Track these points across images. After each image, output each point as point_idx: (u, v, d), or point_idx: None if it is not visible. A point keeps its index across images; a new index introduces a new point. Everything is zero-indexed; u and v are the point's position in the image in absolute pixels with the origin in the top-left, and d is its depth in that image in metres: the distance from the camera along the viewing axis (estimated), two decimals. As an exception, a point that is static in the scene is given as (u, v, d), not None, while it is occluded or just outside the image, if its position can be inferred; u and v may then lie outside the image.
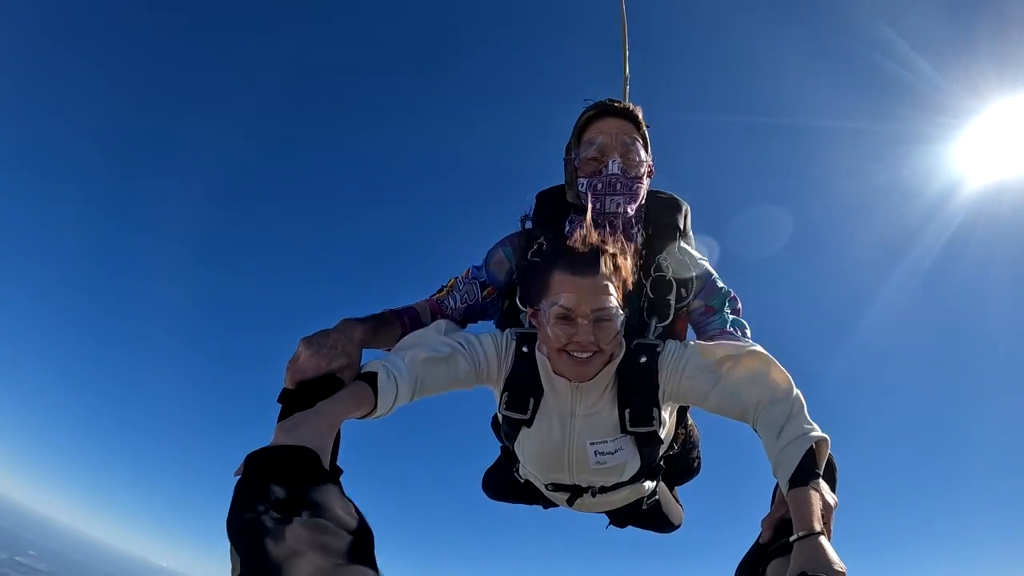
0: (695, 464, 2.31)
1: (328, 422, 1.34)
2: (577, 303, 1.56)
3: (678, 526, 2.47)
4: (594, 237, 1.64)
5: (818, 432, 1.45)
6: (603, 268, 1.60)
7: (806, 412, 1.52)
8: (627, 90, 2.79)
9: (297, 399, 1.46)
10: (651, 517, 2.26)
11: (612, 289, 1.60)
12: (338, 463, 1.38)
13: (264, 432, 1.35)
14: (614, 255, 1.64)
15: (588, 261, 1.59)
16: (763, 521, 1.64)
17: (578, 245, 1.62)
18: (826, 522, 1.34)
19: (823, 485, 1.40)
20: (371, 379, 1.54)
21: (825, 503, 1.36)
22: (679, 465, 2.24)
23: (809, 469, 1.38)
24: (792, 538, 1.29)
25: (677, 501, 2.45)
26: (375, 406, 1.52)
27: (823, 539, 1.25)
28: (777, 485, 1.65)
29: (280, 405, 1.48)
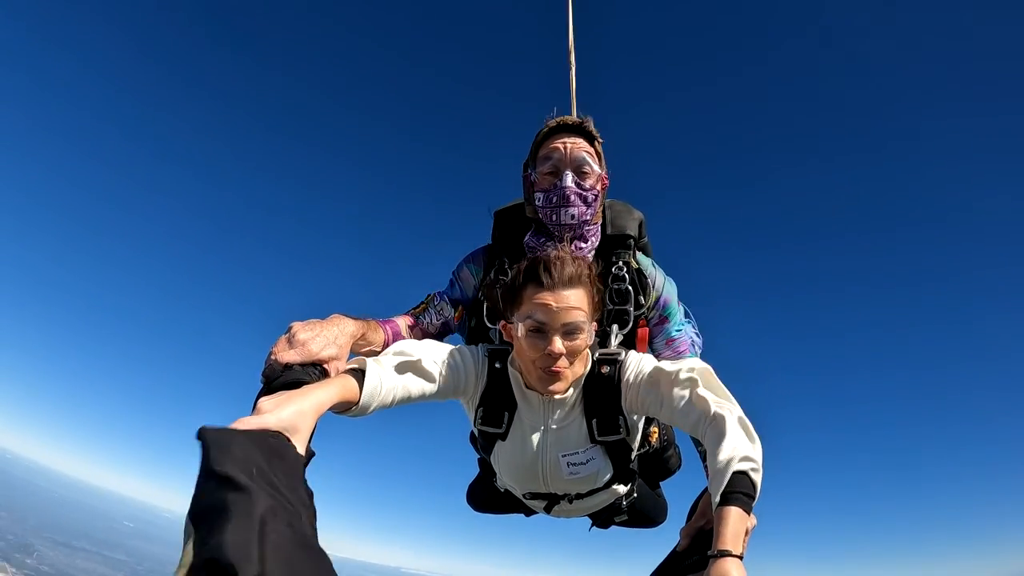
0: (672, 461, 2.36)
1: (312, 405, 1.36)
2: (550, 317, 1.63)
3: (662, 521, 2.51)
4: (566, 253, 1.71)
5: (755, 456, 1.45)
6: (575, 283, 1.67)
7: (750, 429, 1.53)
8: (573, 79, 2.78)
9: (280, 380, 1.47)
10: (632, 516, 2.30)
11: (583, 304, 1.67)
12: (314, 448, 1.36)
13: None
14: (584, 270, 1.71)
15: (560, 276, 1.65)
16: (682, 530, 1.71)
17: (550, 261, 1.68)
18: (744, 545, 1.36)
19: (750, 508, 1.41)
20: (357, 375, 1.55)
21: (747, 527, 1.38)
22: (655, 464, 2.29)
23: (741, 489, 1.40)
24: (710, 552, 1.31)
25: (660, 496, 2.49)
26: (358, 401, 1.53)
27: (737, 562, 1.28)
28: (699, 498, 1.73)
29: (262, 381, 1.49)
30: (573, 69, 2.91)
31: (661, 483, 2.49)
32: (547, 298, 1.64)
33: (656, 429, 2.18)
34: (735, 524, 1.33)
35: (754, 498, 1.40)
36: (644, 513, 2.36)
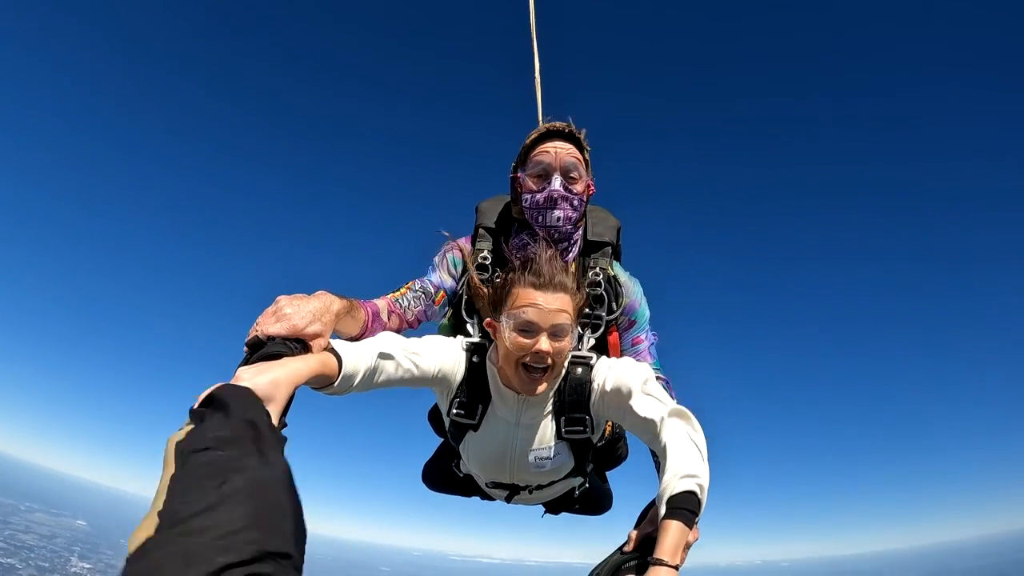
0: (621, 451, 2.50)
1: (289, 375, 1.39)
2: (540, 317, 1.70)
3: (608, 509, 2.68)
4: (557, 256, 1.79)
5: (703, 475, 1.56)
6: (563, 286, 1.74)
7: (701, 447, 1.62)
8: (538, 82, 2.85)
9: (263, 351, 1.48)
10: (583, 504, 2.45)
11: (569, 307, 1.75)
12: (287, 421, 1.39)
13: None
14: (571, 274, 1.80)
15: (551, 278, 1.73)
16: (631, 532, 1.82)
17: (541, 262, 1.75)
18: (682, 557, 1.49)
19: (694, 523, 1.52)
20: (338, 354, 1.60)
21: (688, 541, 1.50)
22: (607, 453, 2.43)
23: (686, 506, 1.51)
24: (650, 558, 1.45)
25: (607, 486, 2.63)
26: (336, 379, 1.57)
27: (672, 572, 1.42)
28: (650, 505, 1.82)
29: (246, 350, 1.50)
30: (537, 72, 2.99)
31: (608, 473, 2.61)
32: (537, 298, 1.71)
33: (608, 425, 2.28)
34: (675, 537, 1.46)
35: (697, 514, 1.53)
36: (594, 501, 2.52)
